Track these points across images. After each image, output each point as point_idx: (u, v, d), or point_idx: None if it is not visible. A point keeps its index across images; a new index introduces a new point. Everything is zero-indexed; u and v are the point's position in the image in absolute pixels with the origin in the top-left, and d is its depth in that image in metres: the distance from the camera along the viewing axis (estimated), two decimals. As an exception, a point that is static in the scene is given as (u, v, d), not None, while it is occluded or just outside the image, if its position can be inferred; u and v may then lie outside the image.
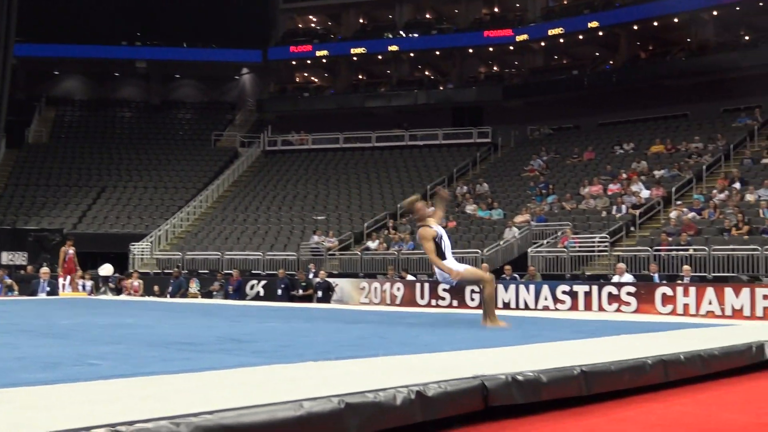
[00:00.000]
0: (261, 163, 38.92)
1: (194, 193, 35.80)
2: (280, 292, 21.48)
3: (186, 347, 5.62)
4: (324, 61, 42.82)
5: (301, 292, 21.37)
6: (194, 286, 23.10)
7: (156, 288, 23.58)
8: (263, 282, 22.87)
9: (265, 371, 4.07)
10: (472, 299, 18.27)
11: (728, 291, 15.48)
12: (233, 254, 27.69)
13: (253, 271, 26.02)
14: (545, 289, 17.61)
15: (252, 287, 22.73)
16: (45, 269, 20.83)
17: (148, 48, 43.74)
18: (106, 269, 24.43)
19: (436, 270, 8.24)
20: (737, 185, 23.97)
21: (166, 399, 3.09)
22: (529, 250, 22.57)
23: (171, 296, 22.03)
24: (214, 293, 22.47)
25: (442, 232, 8.38)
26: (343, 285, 21.29)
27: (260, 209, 33.41)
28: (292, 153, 39.26)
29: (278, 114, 41.90)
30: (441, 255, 8.11)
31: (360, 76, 43.95)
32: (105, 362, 4.54)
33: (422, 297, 19.21)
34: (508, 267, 20.25)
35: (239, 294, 22.07)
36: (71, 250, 21.77)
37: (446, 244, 8.26)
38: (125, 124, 43.41)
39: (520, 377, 3.89)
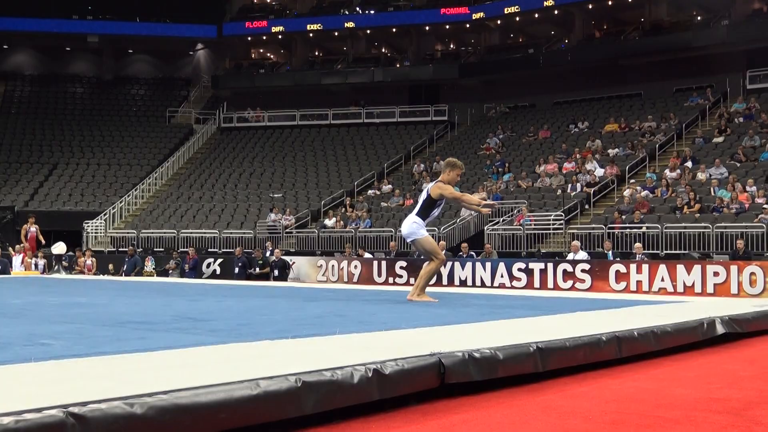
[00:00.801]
0: (216, 140, 38.58)
1: (149, 170, 35.39)
2: (236, 270, 21.39)
3: (141, 326, 5.55)
4: (280, 37, 42.45)
5: (257, 270, 21.29)
6: (149, 265, 22.89)
7: (110, 266, 23.32)
8: (220, 260, 22.74)
9: (222, 350, 4.04)
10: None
11: (680, 268, 15.74)
12: (189, 232, 27.47)
13: (210, 250, 25.89)
14: (501, 267, 17.74)
15: (208, 265, 22.58)
16: (-4, 247, 20.49)
17: (101, 22, 42.89)
18: (59, 247, 24.07)
19: (411, 221, 8.48)
20: (689, 164, 24.34)
21: (121, 379, 3.04)
22: (486, 228, 22.71)
23: (126, 275, 21.81)
24: (170, 272, 22.30)
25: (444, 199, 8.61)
26: (300, 263, 21.24)
27: (216, 187, 33.15)
28: (248, 130, 38.95)
29: (233, 90, 41.52)
30: (424, 212, 8.47)
31: (316, 53, 43.68)
32: (57, 342, 4.47)
33: (379, 275, 19.25)
34: (464, 245, 20.36)
35: (195, 272, 21.94)
36: (33, 228, 21.36)
37: (426, 205, 8.51)
38: (77, 99, 42.70)
39: (476, 354, 3.90)
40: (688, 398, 3.89)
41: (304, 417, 3.11)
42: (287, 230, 26.76)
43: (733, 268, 15.20)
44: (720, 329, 6.12)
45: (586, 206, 23.53)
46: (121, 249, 26.56)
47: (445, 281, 18.05)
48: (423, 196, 8.67)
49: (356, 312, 7.13)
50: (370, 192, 29.92)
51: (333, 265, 20.27)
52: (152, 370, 3.29)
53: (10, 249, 23.19)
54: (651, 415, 3.47)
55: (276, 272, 20.76)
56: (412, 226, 8.45)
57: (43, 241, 22.99)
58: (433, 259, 8.55)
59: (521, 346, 4.24)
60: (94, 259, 23.12)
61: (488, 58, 38.63)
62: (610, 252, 18.40)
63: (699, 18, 34.45)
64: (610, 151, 27.62)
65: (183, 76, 44.99)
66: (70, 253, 24.25)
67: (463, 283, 17.81)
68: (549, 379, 4.32)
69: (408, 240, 8.70)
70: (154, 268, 22.75)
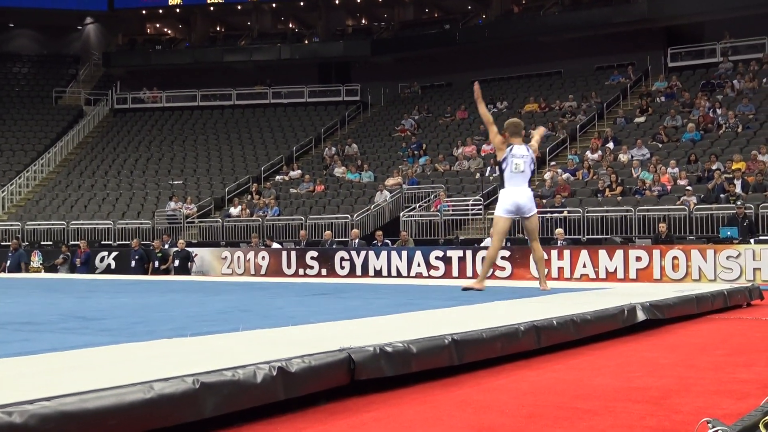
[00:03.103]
0: (109, 123, 37.78)
1: (34, 156, 34.43)
2: (133, 264, 21.12)
3: (24, 327, 5.40)
4: (178, 10, 41.72)
5: (157, 263, 21.00)
6: (36, 260, 22.33)
7: (-9, 262, 22.64)
8: (115, 253, 22.35)
9: (113, 351, 3.96)
10: (342, 267, 18.39)
11: (602, 253, 16.14)
12: (80, 223, 26.85)
13: (104, 242, 25.38)
14: (418, 255, 17.86)
15: (102, 259, 22.17)
16: None
17: (-23, -7, 41.42)
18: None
19: (532, 194, 8.58)
20: (610, 145, 24.95)
21: (-1, 386, 2.96)
22: (401, 214, 22.85)
23: (9, 271, 21.21)
24: (59, 267, 21.81)
25: (523, 153, 8.51)
26: (203, 255, 21.01)
27: (110, 173, 32.46)
28: (144, 112, 38.24)
29: (127, 69, 40.66)
30: (502, 181, 8.42)
31: (218, 28, 43.11)
32: (-71, 347, 4.31)
33: (289, 266, 19.18)
34: (379, 232, 20.44)
35: (87, 267, 21.53)
36: None
37: (516, 166, 8.41)
38: (-48, 79, 41.20)
39: (388, 348, 3.93)
40: (608, 388, 4.00)
41: (204, 420, 3.08)
42: (188, 220, 26.42)
43: (656, 253, 15.66)
44: (641, 316, 6.31)
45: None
46: (4, 243, 25.77)
47: (358, 271, 18.11)
48: (528, 162, 8.52)
49: (262, 306, 7.10)
50: (277, 178, 29.75)
51: (239, 257, 20.11)
52: (35, 375, 3.20)
53: None
54: (569, 406, 3.56)
55: (177, 264, 20.52)
56: (534, 200, 8.45)
57: None
58: (535, 240, 8.58)
59: (436, 338, 4.28)
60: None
61: (402, 34, 38.79)
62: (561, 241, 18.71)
63: (620, -7, 35.26)
64: (530, 131, 28.03)
65: (71, 53, 43.77)
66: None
67: (378, 274, 17.88)
68: (465, 372, 4.38)
69: (528, 215, 8.45)
70: (41, 264, 22.21)
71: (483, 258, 8.61)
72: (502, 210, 8.46)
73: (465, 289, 8.45)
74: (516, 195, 8.41)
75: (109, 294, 9.24)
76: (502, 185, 8.51)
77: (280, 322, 5.33)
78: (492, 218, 20.46)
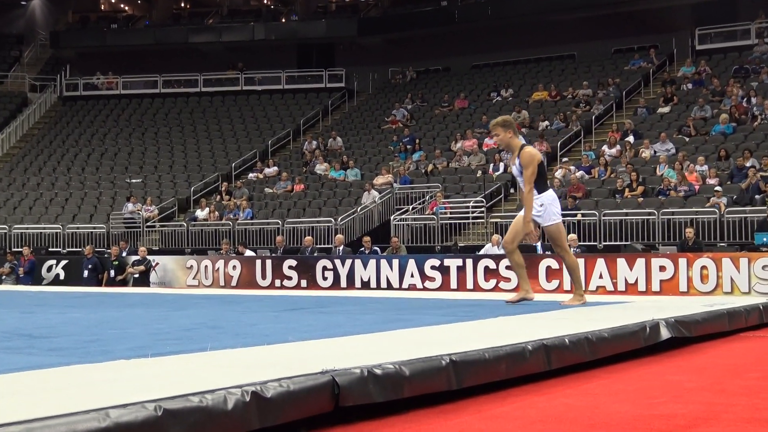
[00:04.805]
0: (58, 112, 37.73)
1: (-29, 150, 34.38)
2: (86, 273, 21.14)
3: (-39, 347, 5.40)
4: (137, -16, 41.73)
5: (113, 273, 20.98)
6: (-26, 270, 22.26)
7: None
8: (64, 262, 22.32)
9: (63, 373, 3.96)
10: (324, 278, 18.38)
11: (621, 262, 16.17)
12: (24, 227, 26.79)
13: (51, 249, 25.29)
14: (411, 264, 17.85)
15: (50, 269, 22.13)
16: None
17: None
18: None
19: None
20: (630, 139, 25.02)
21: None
22: (392, 217, 22.85)
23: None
24: (5, 278, 21.79)
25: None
26: (165, 263, 20.98)
27: (58, 170, 32.41)
28: (98, 99, 38.17)
29: (79, 50, 40.58)
30: (542, 184, 8.59)
31: (182, 5, 43.07)
32: None
33: (264, 277, 19.15)
34: (367, 238, 20.44)
35: (32, 277, 21.47)
36: None
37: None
38: None
39: (377, 371, 3.93)
40: (626, 416, 4.01)
41: (167, 453, 3.09)
42: (149, 224, 26.38)
43: (682, 262, 15.69)
44: (665, 334, 6.32)
45: (511, 190, 23.91)
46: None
47: (343, 283, 18.09)
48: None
49: (233, 323, 7.10)
50: (251, 175, 29.74)
51: (206, 266, 20.08)
52: (-26, 401, 3.20)
53: None
54: (583, 436, 3.57)
55: (136, 274, 20.54)
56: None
57: None
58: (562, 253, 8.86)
59: (431, 359, 4.28)
60: None
61: (393, 12, 38.81)
62: (539, 244, 18.73)
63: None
64: (539, 123, 28.14)
65: (14, 32, 43.66)
66: None
67: (365, 285, 17.86)
68: (465, 397, 4.38)
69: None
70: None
71: (569, 270, 8.89)
72: (558, 214, 8.69)
73: (565, 304, 8.51)
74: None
75: (58, 308, 9.22)
76: (545, 187, 8.75)
77: (254, 340, 5.33)
78: (493, 222, 20.48)
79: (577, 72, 32.77)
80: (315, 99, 36.09)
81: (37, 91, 38.93)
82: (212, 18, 41.00)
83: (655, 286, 15.74)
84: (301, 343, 5.19)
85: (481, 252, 18.55)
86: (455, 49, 36.43)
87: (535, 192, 8.48)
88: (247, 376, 3.59)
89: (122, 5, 44.25)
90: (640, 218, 19.99)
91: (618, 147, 24.71)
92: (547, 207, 8.53)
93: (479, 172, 25.21)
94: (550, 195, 8.62)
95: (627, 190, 21.39)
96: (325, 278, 18.42)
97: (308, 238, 21.57)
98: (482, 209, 22.48)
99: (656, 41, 32.31)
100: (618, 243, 19.57)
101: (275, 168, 29.58)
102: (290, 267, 19.00)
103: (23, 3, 43.96)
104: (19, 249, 23.50)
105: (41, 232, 26.52)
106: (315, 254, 20.19)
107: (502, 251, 17.97)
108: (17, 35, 43.45)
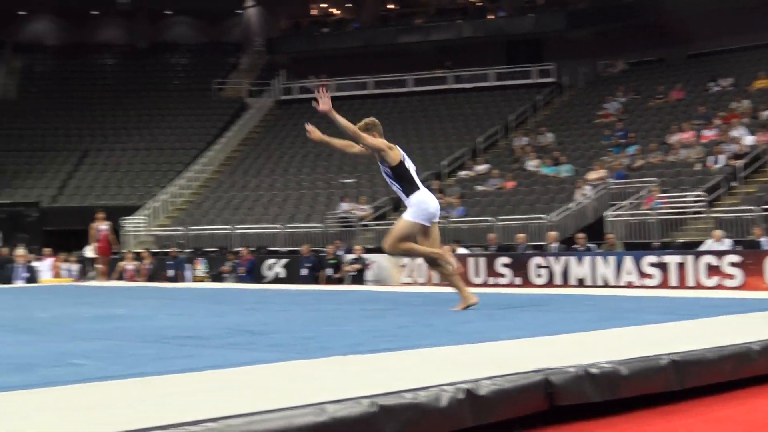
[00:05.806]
0: (274, 116, 38.89)
1: (195, 154, 35.87)
2: (304, 272, 21.62)
3: (188, 342, 5.67)
4: (345, -12, 42.60)
5: (330, 271, 21.47)
6: (201, 268, 23.29)
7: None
8: (283, 261, 22.97)
9: (282, 369, 4.09)
10: (538, 275, 18.27)
11: None
12: (245, 228, 27.75)
13: (271, 248, 26.05)
14: (628, 261, 17.50)
15: (270, 267, 22.84)
16: (21, 251, 21.04)
17: (132, -21, 43.70)
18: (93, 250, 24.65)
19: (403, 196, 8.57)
20: None
21: (162, 404, 3.11)
22: (607, 213, 22.44)
23: (171, 280, 22.25)
24: (225, 276, 22.62)
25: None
26: (379, 262, 21.32)
27: (276, 172, 33.42)
28: (311, 102, 39.02)
29: (292, 55, 41.74)
30: (412, 183, 8.45)
31: (390, 6, 43.64)
32: (90, 362, 4.60)
33: (477, 274, 19.20)
34: (581, 235, 20.14)
35: (252, 276, 22.21)
36: (104, 225, 21.52)
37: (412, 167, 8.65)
38: (108, 73, 43.53)
39: (593, 370, 3.87)
40: None
41: (382, 449, 3.12)
42: (362, 223, 26.85)
43: None
44: None
45: (733, 183, 23.02)
46: (167, 250, 26.89)
47: (557, 280, 17.91)
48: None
49: (446, 320, 7.13)
50: (462, 173, 29.84)
51: (420, 264, 20.29)
52: (199, 394, 3.35)
53: (90, 248, 23.13)
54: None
55: (352, 273, 20.97)
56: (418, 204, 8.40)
57: (117, 244, 23.31)
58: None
59: (650, 359, 4.19)
60: (137, 263, 23.52)
61: (603, 3, 37.98)
62: (764, 239, 17.98)
63: None
64: (762, 113, 26.97)
65: (231, 40, 45.43)
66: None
67: (580, 283, 17.64)
68: (686, 399, 4.25)
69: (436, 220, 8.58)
70: (207, 272, 23.11)
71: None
72: (424, 216, 8.29)
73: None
74: (434, 198, 8.45)
75: (278, 306, 9.54)
76: (413, 188, 8.38)
77: (466, 338, 5.35)
78: (715, 217, 19.77)
79: (806, 56, 31.14)
80: (524, 95, 35.81)
81: (254, 96, 40.25)
82: (420, 18, 41.29)
83: None
84: (514, 341, 5.18)
85: (702, 248, 17.90)
86: (669, 39, 35.30)
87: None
88: (461, 374, 3.60)
89: (332, 10, 45.22)
90: None
91: None
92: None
93: (698, 165, 24.40)
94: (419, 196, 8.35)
95: None
96: (538, 276, 18.30)
97: (521, 235, 21.44)
98: (702, 203, 21.74)
99: None
100: None
101: (486, 165, 29.55)
102: (503, 264, 18.98)
103: (239, 12, 45.72)
104: (238, 249, 24.34)
105: (261, 232, 27.38)
106: (528, 251, 20.06)
107: (725, 247, 17.39)
108: (235, 43, 45.23)
